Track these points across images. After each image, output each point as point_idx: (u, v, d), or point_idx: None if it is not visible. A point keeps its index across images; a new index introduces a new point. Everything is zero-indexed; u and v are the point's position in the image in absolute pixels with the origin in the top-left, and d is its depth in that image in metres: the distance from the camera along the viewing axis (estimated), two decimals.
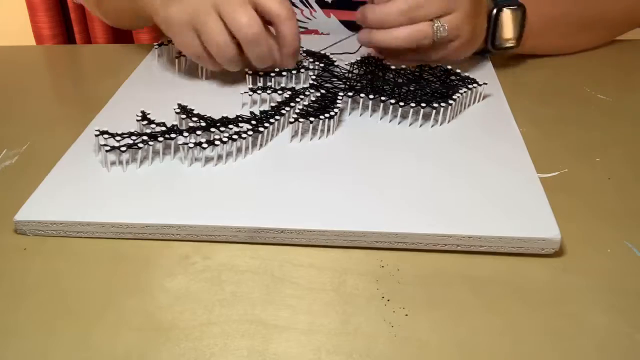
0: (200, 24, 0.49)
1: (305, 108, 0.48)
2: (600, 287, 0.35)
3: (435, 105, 0.48)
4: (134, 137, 0.44)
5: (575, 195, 0.42)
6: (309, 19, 0.70)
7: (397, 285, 0.35)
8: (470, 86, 0.51)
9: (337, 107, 0.48)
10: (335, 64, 0.56)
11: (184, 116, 0.47)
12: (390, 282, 0.35)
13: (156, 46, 0.61)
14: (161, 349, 0.31)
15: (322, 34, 0.70)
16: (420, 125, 0.49)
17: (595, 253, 0.37)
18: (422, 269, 0.36)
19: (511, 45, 0.58)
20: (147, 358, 0.31)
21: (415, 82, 0.51)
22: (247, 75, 0.54)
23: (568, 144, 0.48)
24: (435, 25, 0.50)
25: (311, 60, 0.57)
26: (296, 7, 0.69)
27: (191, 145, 0.43)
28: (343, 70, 0.54)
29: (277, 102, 0.50)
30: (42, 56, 0.70)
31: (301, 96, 0.50)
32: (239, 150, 0.44)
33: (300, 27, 0.68)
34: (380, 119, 0.50)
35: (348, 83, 0.52)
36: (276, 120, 0.47)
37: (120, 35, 1.48)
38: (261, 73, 0.54)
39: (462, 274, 0.36)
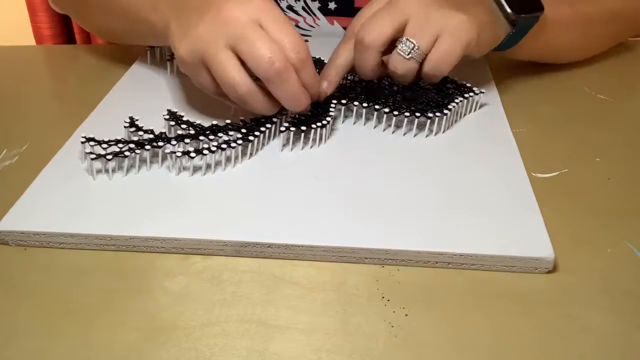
0: (210, 60, 0.42)
1: (297, 116, 0.47)
2: (600, 287, 0.35)
3: (430, 115, 0.47)
4: (120, 145, 0.43)
5: (576, 195, 0.42)
6: (312, 26, 0.69)
7: (397, 285, 0.35)
8: (466, 95, 0.49)
9: (330, 116, 0.47)
10: None
11: (173, 123, 0.46)
12: (390, 282, 0.35)
13: (148, 48, 0.61)
14: (161, 349, 0.31)
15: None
16: (415, 135, 0.48)
17: (595, 253, 0.37)
18: (422, 270, 0.36)
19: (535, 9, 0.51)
20: (147, 358, 0.31)
21: (411, 90, 0.50)
22: None
23: (568, 144, 0.48)
24: (399, 48, 0.46)
25: None
26: (299, 15, 0.69)
27: (179, 154, 0.42)
28: None
29: None
30: (42, 56, 0.70)
31: None
32: (228, 159, 0.43)
33: (303, 35, 0.68)
34: (374, 128, 0.49)
35: (342, 90, 0.51)
36: (267, 128, 0.46)
37: None
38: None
39: (462, 274, 0.36)
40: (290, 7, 0.68)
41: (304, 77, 0.43)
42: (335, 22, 0.69)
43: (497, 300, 0.34)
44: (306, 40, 0.65)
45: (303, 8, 0.68)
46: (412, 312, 0.33)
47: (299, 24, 0.69)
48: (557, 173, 0.44)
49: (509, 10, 0.49)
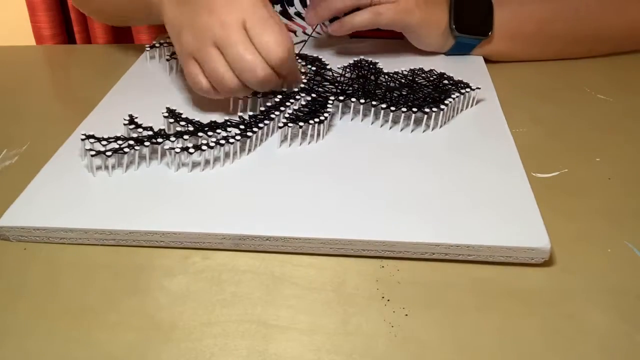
0: (202, 59, 0.46)
1: (295, 112, 0.47)
2: (601, 287, 0.35)
3: (427, 110, 0.47)
4: (120, 142, 0.43)
5: (575, 195, 0.42)
6: (320, 33, 0.69)
7: (397, 285, 0.35)
8: (463, 91, 0.50)
9: (328, 112, 0.47)
10: (328, 67, 0.56)
11: (172, 120, 0.47)
12: (390, 282, 0.35)
13: (148, 48, 0.61)
14: (161, 349, 0.31)
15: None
16: (412, 131, 0.48)
17: (595, 253, 0.37)
18: (421, 269, 0.36)
19: (479, 33, 0.59)
20: (147, 358, 0.31)
21: (408, 86, 0.51)
22: None
23: (568, 144, 0.48)
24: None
25: (303, 63, 0.56)
26: (294, 22, 0.69)
27: (178, 150, 0.42)
28: (335, 74, 0.54)
29: (267, 106, 0.49)
30: (42, 56, 0.70)
31: (291, 100, 0.50)
32: (226, 155, 0.44)
33: (302, 41, 0.68)
34: (372, 123, 0.49)
35: (340, 87, 0.51)
36: (265, 124, 0.46)
37: (121, 35, 1.48)
38: None
39: (462, 273, 0.36)
40: (297, 14, 0.68)
41: (285, 73, 0.47)
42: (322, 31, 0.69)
43: (497, 300, 0.34)
44: (294, 32, 0.67)
45: (296, 13, 0.68)
46: (412, 312, 0.33)
47: (305, 31, 0.69)
48: (557, 173, 0.44)
49: (453, 26, 0.58)
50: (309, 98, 0.50)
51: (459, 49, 0.60)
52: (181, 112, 0.48)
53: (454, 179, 0.42)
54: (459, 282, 0.35)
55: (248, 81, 0.45)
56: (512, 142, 0.46)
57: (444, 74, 0.53)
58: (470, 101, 0.51)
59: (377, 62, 0.55)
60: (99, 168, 0.43)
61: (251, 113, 0.48)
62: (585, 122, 0.51)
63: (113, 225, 0.38)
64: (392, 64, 0.55)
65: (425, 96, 0.49)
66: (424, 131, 0.48)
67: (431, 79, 0.52)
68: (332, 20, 0.58)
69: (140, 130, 0.46)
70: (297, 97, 0.50)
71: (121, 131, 0.46)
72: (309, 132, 0.46)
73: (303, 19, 0.68)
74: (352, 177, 0.42)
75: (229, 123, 0.46)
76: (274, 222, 0.38)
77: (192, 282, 0.35)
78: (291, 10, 0.68)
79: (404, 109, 0.47)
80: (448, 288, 0.35)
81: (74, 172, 0.43)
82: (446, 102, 0.48)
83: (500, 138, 0.47)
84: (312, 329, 0.32)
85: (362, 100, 0.49)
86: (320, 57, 0.57)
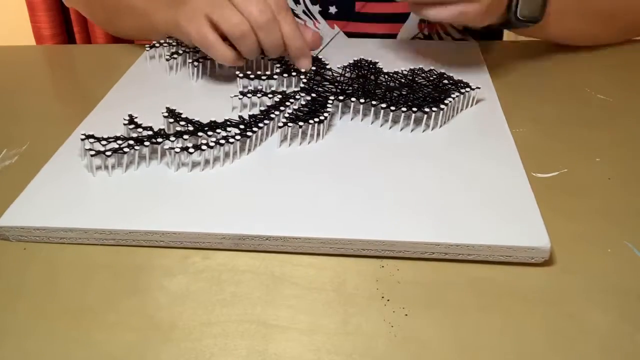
0: (216, 13, 0.50)
1: (294, 112, 0.47)
2: (601, 287, 0.35)
3: (427, 110, 0.47)
4: (120, 142, 0.43)
5: (575, 195, 0.42)
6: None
7: (397, 285, 0.35)
8: (462, 90, 0.50)
9: (328, 112, 0.47)
10: (328, 67, 0.56)
11: (171, 120, 0.47)
12: (390, 282, 0.35)
13: (148, 48, 0.61)
14: (161, 349, 0.31)
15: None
16: (412, 130, 0.48)
17: (595, 253, 0.37)
18: (421, 269, 0.36)
19: (534, 17, 0.56)
20: (147, 358, 0.31)
21: (408, 86, 0.51)
22: (238, 78, 0.54)
23: (568, 144, 0.48)
24: None
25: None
26: (300, 18, 0.69)
27: (177, 150, 0.42)
28: (335, 74, 0.54)
29: (267, 105, 0.49)
30: (42, 56, 0.70)
31: (291, 100, 0.50)
32: (226, 155, 0.44)
33: None
34: (372, 123, 0.49)
35: (339, 87, 0.51)
36: (265, 124, 0.46)
37: None
38: (252, 76, 0.53)
39: (462, 273, 0.36)
40: (305, 12, 0.68)
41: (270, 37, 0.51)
42: (335, 26, 0.69)
43: (497, 300, 0.34)
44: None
45: (304, 11, 0.69)
46: (412, 312, 0.33)
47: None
48: (557, 173, 0.44)
49: (518, 15, 0.54)
50: (308, 98, 0.50)
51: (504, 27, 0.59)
52: (181, 112, 0.48)
53: (453, 178, 0.42)
54: (459, 282, 0.35)
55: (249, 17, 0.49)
56: (512, 142, 0.46)
57: (444, 73, 0.53)
58: (470, 101, 0.51)
59: (377, 62, 0.55)
60: (98, 168, 0.43)
61: (251, 113, 0.48)
62: (585, 122, 0.51)
63: (113, 225, 0.38)
64: (392, 64, 0.55)
65: (425, 96, 0.49)
66: (423, 131, 0.48)
67: (431, 78, 0.52)
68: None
69: (140, 130, 0.46)
70: (297, 96, 0.50)
71: (121, 131, 0.46)
72: (309, 132, 0.46)
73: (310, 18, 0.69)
74: (352, 177, 0.42)
75: (228, 123, 0.46)
76: (274, 222, 0.38)
77: (192, 282, 0.35)
78: (298, 9, 0.68)
79: (404, 109, 0.47)
80: (448, 288, 0.35)
81: (73, 172, 0.43)
82: (446, 101, 0.48)
83: (500, 138, 0.47)
84: (312, 329, 0.32)
85: (362, 100, 0.49)
86: (320, 56, 0.57)
